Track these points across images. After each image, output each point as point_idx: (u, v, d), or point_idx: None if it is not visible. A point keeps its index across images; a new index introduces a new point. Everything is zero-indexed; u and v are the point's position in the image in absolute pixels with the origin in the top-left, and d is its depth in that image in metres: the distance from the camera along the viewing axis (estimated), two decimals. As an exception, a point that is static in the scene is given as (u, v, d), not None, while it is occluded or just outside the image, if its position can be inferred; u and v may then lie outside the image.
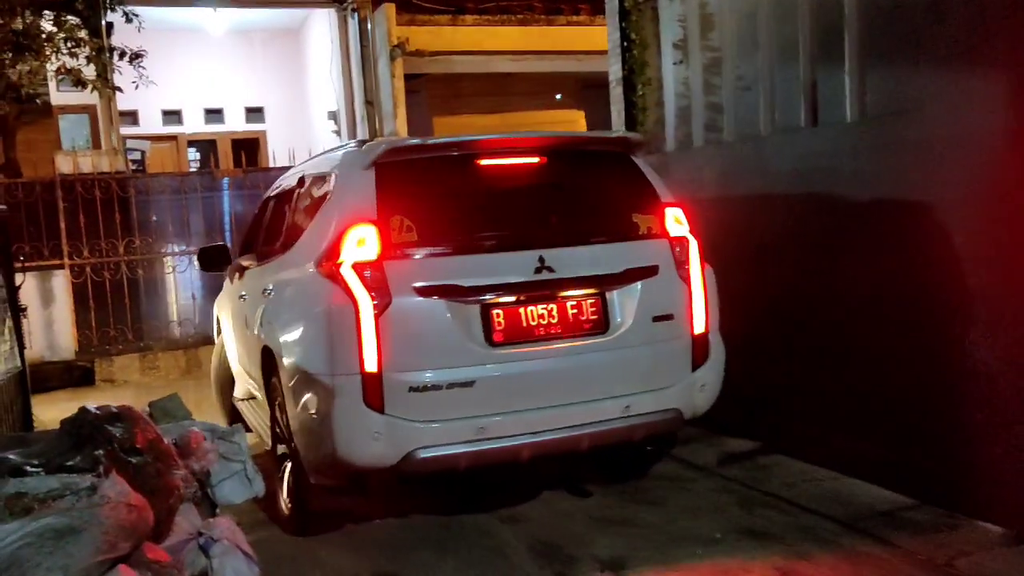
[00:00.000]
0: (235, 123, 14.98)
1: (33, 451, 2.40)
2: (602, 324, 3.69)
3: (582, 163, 4.07)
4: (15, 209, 8.93)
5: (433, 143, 3.88)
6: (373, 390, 3.36)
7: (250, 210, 9.57)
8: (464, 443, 3.49)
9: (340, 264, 3.44)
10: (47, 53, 8.46)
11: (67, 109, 11.69)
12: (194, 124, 14.76)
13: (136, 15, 9.51)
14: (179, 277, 9.77)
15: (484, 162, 3.81)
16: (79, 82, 8.61)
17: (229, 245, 7.08)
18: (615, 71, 6.45)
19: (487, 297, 3.54)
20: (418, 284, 3.45)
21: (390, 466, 3.47)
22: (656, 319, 3.77)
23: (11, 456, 2.32)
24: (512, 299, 3.57)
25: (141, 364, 9.42)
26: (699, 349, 3.88)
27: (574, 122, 12.56)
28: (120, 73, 9.81)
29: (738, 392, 5.17)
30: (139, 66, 9.34)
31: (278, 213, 4.95)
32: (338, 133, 12.76)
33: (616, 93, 6.49)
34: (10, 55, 7.72)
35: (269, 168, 10.47)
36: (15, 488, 2.11)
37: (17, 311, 4.97)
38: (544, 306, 3.61)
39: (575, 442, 3.67)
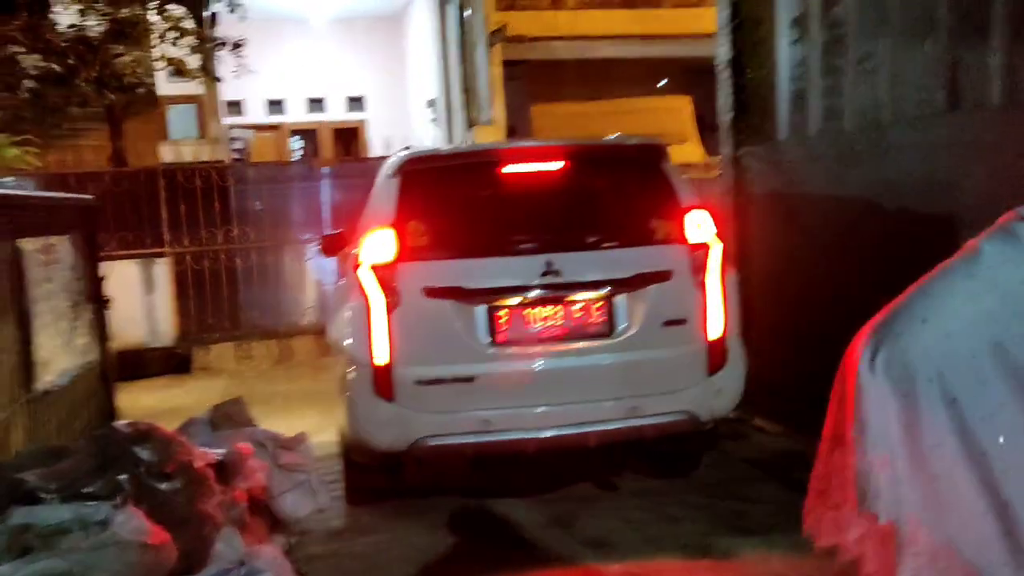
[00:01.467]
0: (336, 112, 15.05)
1: (55, 471, 2.22)
2: (608, 327, 3.80)
3: (606, 169, 4.17)
4: (120, 198, 9.14)
5: (455, 152, 4.28)
6: (384, 381, 3.65)
7: (347, 200, 9.54)
8: (469, 434, 3.72)
9: (361, 264, 3.75)
10: (151, 43, 8.55)
11: (175, 100, 11.93)
12: (296, 113, 14.90)
13: (240, 4, 9.52)
14: (277, 267, 9.77)
15: (505, 170, 3.99)
16: (179, 71, 8.68)
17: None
18: (723, 52, 5.93)
19: (493, 298, 3.73)
20: (427, 285, 3.69)
21: (403, 451, 3.75)
22: (667, 324, 3.83)
23: (28, 478, 2.14)
24: (517, 301, 3.74)
25: (236, 353, 9.47)
26: (715, 354, 3.91)
27: (679, 109, 11.98)
28: (222, 62, 9.89)
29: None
30: (240, 55, 9.34)
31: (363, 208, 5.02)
32: (435, 122, 12.58)
33: (724, 76, 5.97)
34: (112, 44, 7.80)
35: (366, 158, 10.39)
36: (23, 519, 1.92)
37: (101, 303, 4.90)
38: (550, 308, 3.76)
39: (581, 439, 3.79)
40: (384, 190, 3.93)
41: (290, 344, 9.57)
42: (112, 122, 9.68)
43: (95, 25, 8.08)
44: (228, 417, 3.47)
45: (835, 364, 4.82)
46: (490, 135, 10.52)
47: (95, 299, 4.94)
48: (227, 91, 13.32)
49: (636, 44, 11.30)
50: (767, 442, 5.14)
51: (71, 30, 8.01)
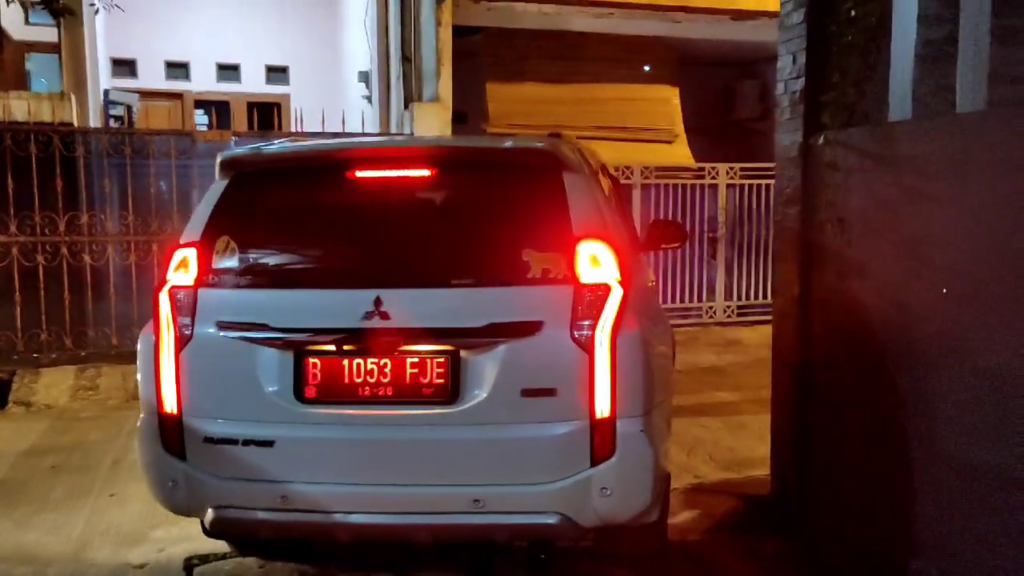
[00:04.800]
0: (253, 83, 12.70)
1: None
2: (448, 391, 3.06)
3: (481, 181, 3.37)
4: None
5: (289, 150, 3.60)
6: (171, 434, 3.19)
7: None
8: (265, 510, 3.15)
9: (161, 287, 3.23)
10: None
11: (36, 47, 9.42)
12: (203, 81, 12.47)
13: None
14: (143, 269, 7.45)
15: (349, 175, 3.34)
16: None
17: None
18: (793, -17, 3.83)
19: (301, 342, 3.10)
20: (224, 319, 3.15)
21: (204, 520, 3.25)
22: (529, 393, 3.03)
23: None
24: (332, 348, 3.10)
25: (75, 382, 7.11)
26: (600, 439, 3.02)
27: (666, 101, 9.96)
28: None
29: None
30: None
31: None
32: (369, 99, 10.36)
33: (791, 21, 3.86)
34: None
35: (283, 133, 8.17)
36: None
37: None
38: (375, 361, 3.09)
39: (406, 532, 3.18)
40: (208, 195, 3.38)
41: (153, 372, 7.22)
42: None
43: None
44: None
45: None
46: (433, 115, 8.39)
47: None
48: (115, 47, 10.92)
49: (617, 16, 9.21)
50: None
51: None
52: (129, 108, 9.79)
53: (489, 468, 3.10)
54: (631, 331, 3.01)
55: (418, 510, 3.13)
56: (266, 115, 12.42)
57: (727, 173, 9.27)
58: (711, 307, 9.42)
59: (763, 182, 9.44)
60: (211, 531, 3.30)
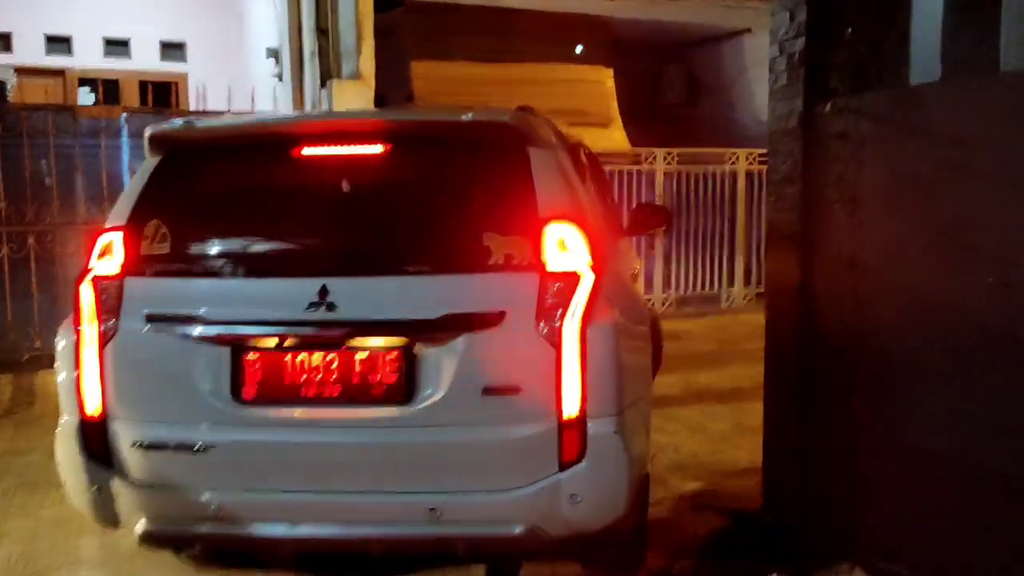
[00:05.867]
0: (146, 60, 11.63)
1: None
2: (402, 391, 2.84)
3: (437, 157, 3.10)
4: None
5: (226, 126, 3.48)
6: (94, 437, 2.97)
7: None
8: (200, 521, 2.95)
9: (84, 276, 3.02)
10: None
11: None
12: (88, 57, 11.36)
13: None
14: (18, 263, 6.62)
15: (297, 153, 3.08)
16: None
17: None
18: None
19: (239, 337, 2.89)
20: (152, 311, 2.94)
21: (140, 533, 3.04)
22: (490, 391, 2.80)
23: None
24: (273, 343, 2.89)
25: (-63, 395, 6.17)
26: (569, 441, 2.79)
27: (600, 83, 9.52)
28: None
29: None
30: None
31: None
32: (279, 77, 9.56)
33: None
34: None
35: (183, 111, 7.34)
36: None
37: None
38: (320, 357, 2.88)
39: (357, 544, 3.00)
40: (137, 175, 3.14)
41: (32, 383, 6.47)
42: None
43: None
44: None
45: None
46: (354, 94, 7.74)
47: None
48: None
49: (550, -8, 8.73)
50: None
51: None
52: (2, 84, 8.77)
53: (447, 474, 2.92)
54: (603, 323, 2.79)
55: (370, 520, 2.95)
56: (162, 95, 11.38)
57: (664, 159, 8.90)
58: (649, 299, 9.04)
59: (700, 168, 9.15)
60: (142, 543, 3.08)
